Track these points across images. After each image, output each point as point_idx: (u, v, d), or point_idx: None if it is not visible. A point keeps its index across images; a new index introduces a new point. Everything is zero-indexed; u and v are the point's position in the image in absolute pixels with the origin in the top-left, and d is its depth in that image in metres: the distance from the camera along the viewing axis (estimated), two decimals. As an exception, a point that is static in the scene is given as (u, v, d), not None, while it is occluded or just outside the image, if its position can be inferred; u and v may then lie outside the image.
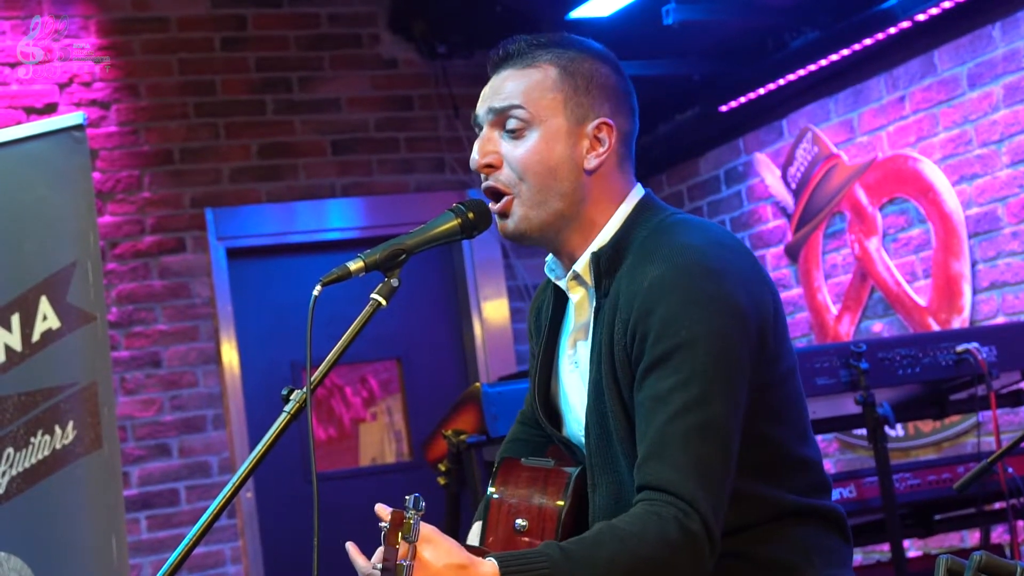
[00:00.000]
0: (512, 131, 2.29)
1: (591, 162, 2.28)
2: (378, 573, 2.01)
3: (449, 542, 2.06)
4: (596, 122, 2.29)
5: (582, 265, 2.30)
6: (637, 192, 2.34)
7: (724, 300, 2.15)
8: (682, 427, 2.11)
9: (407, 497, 1.98)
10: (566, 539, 2.19)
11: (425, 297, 6.65)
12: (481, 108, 2.33)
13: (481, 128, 2.34)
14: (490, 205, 2.32)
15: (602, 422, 2.25)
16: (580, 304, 2.33)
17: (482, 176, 2.33)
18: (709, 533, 2.09)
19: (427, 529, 2.04)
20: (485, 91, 2.34)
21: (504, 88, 2.30)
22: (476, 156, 2.31)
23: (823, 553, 2.26)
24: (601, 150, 2.29)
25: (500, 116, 2.30)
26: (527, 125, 2.28)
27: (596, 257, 2.27)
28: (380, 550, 2.02)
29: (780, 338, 2.25)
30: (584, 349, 2.33)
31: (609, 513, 2.24)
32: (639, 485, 2.14)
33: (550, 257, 2.39)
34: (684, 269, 2.16)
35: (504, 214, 2.31)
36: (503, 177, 2.29)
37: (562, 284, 2.36)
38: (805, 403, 2.32)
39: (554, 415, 2.44)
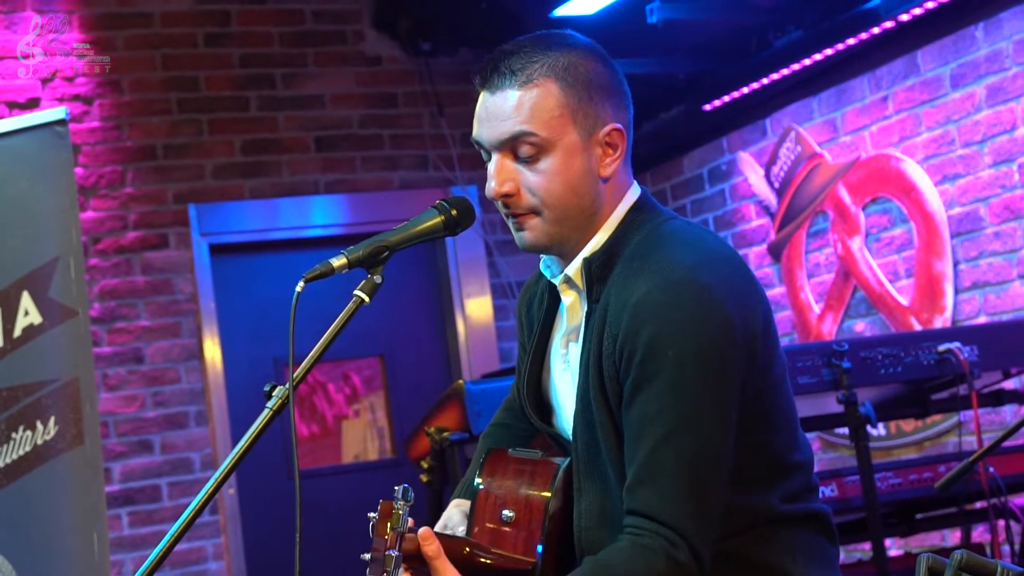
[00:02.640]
0: (527, 158, 2.24)
1: (608, 170, 2.26)
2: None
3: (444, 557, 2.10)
4: (606, 129, 2.25)
5: (573, 270, 2.29)
6: (633, 192, 2.32)
7: (712, 318, 2.13)
8: (671, 452, 2.10)
9: (396, 488, 1.99)
10: (553, 531, 2.20)
11: (408, 294, 6.65)
12: (486, 133, 2.27)
13: (486, 152, 2.29)
14: (510, 222, 2.29)
15: (590, 431, 2.24)
16: (572, 307, 2.32)
17: (499, 204, 2.29)
18: (698, 561, 2.10)
19: (442, 566, 2.09)
20: (483, 111, 2.27)
21: (506, 111, 2.24)
22: (493, 184, 2.26)
23: (810, 554, 2.27)
24: (614, 155, 2.27)
25: (512, 143, 2.24)
26: (542, 150, 2.23)
27: (588, 263, 2.26)
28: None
29: (770, 347, 2.24)
30: (575, 351, 2.32)
31: (594, 519, 2.25)
32: (628, 509, 2.14)
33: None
34: (672, 286, 2.14)
35: (522, 228, 2.28)
36: (524, 204, 2.26)
37: (556, 282, 2.35)
38: (795, 408, 2.32)
39: (543, 409, 2.43)
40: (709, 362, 2.12)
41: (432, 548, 2.10)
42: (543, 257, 2.38)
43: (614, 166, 2.27)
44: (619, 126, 2.27)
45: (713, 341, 2.13)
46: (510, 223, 2.31)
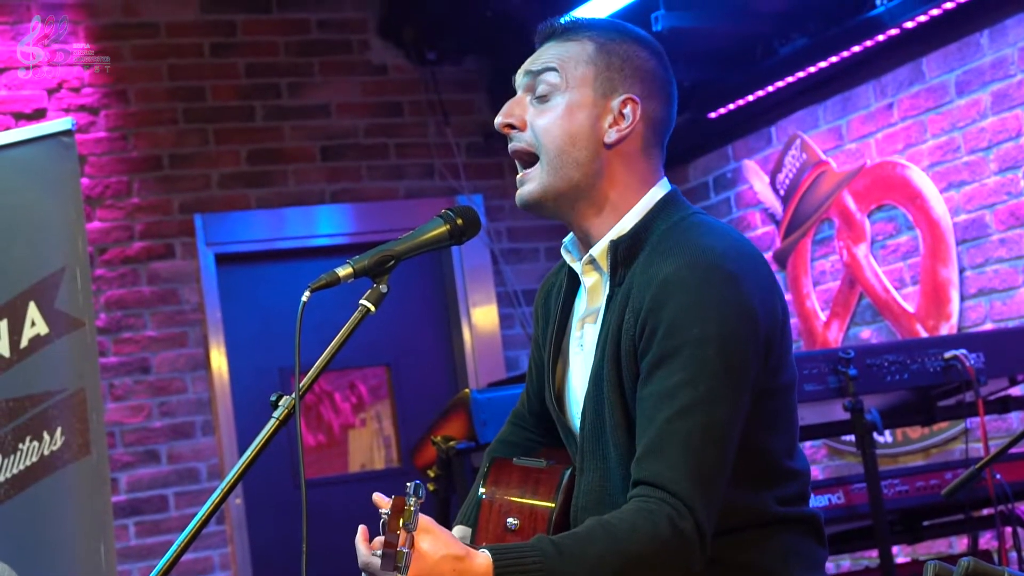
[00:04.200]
0: (540, 97, 2.32)
1: (611, 136, 2.30)
2: (378, 560, 2.01)
3: (446, 534, 2.07)
4: (622, 97, 2.31)
5: (599, 251, 2.31)
6: (663, 185, 2.37)
7: (738, 304, 2.16)
8: (684, 426, 2.11)
9: (408, 484, 1.99)
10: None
11: (414, 303, 6.65)
12: (519, 72, 2.37)
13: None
14: (518, 179, 2.35)
15: (598, 409, 2.26)
16: (593, 289, 2.34)
17: (509, 139, 2.36)
18: (701, 534, 2.11)
19: (425, 520, 2.06)
20: (526, 62, 2.38)
21: (542, 55, 2.35)
22: (501, 117, 2.35)
23: (799, 558, 2.28)
24: (624, 125, 2.31)
25: (533, 79, 2.34)
26: (555, 90, 2.31)
27: (615, 245, 2.28)
28: (379, 539, 2.04)
29: (784, 350, 2.26)
30: (591, 333, 2.33)
31: (592, 498, 2.26)
32: (635, 480, 2.15)
33: (568, 238, 2.40)
34: (700, 269, 2.17)
35: (523, 182, 2.34)
36: (523, 140, 2.33)
37: (577, 267, 2.37)
38: (797, 419, 2.33)
39: (561, 399, 2.44)
40: (730, 346, 2.14)
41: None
42: (565, 241, 2.40)
43: (619, 135, 2.31)
44: (635, 98, 2.32)
45: (736, 327, 2.15)
46: (518, 180, 2.37)
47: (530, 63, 2.36)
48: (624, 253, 2.27)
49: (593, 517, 2.15)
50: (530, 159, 2.32)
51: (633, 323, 2.20)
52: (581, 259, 2.36)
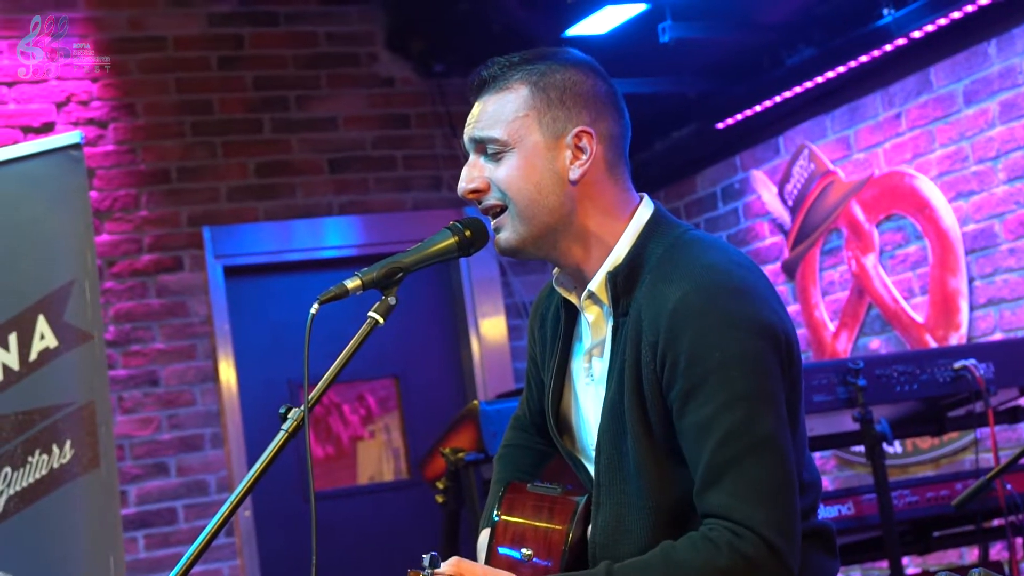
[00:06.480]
0: (493, 155, 2.29)
1: (575, 172, 2.27)
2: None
3: (483, 568, 2.09)
4: (575, 131, 2.28)
5: (597, 284, 2.28)
6: (647, 206, 2.33)
7: (752, 319, 2.15)
8: (732, 451, 2.11)
9: (424, 556, 1.99)
10: (571, 567, 2.19)
11: (423, 315, 6.65)
12: (465, 137, 2.34)
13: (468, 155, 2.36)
14: (491, 223, 2.33)
15: (616, 442, 2.24)
16: (596, 323, 2.32)
17: (476, 203, 2.33)
18: (774, 550, 2.10)
19: (467, 566, 2.08)
20: (468, 119, 2.35)
21: (481, 115, 2.31)
22: (462, 183, 2.32)
23: (812, 570, 2.27)
24: (584, 158, 2.28)
25: (480, 144, 2.30)
26: (504, 148, 2.28)
27: (612, 277, 2.26)
28: None
29: (797, 357, 2.25)
30: (600, 366, 2.32)
31: (608, 534, 2.25)
32: (701, 514, 2.15)
33: (556, 271, 2.38)
34: (709, 290, 2.15)
35: (499, 229, 2.31)
36: (492, 198, 2.30)
37: (573, 299, 2.35)
38: (806, 429, 2.33)
39: (565, 429, 2.43)
40: (753, 362, 2.13)
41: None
42: (554, 275, 2.38)
43: (583, 170, 2.28)
44: (588, 129, 2.28)
45: (756, 342, 2.14)
46: (491, 231, 2.35)
47: (471, 127, 2.32)
48: (623, 283, 2.25)
49: (665, 542, 2.15)
50: (502, 210, 2.30)
51: (652, 356, 2.18)
52: (576, 291, 2.34)
